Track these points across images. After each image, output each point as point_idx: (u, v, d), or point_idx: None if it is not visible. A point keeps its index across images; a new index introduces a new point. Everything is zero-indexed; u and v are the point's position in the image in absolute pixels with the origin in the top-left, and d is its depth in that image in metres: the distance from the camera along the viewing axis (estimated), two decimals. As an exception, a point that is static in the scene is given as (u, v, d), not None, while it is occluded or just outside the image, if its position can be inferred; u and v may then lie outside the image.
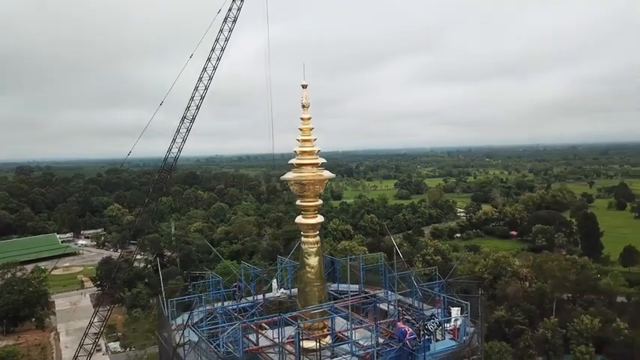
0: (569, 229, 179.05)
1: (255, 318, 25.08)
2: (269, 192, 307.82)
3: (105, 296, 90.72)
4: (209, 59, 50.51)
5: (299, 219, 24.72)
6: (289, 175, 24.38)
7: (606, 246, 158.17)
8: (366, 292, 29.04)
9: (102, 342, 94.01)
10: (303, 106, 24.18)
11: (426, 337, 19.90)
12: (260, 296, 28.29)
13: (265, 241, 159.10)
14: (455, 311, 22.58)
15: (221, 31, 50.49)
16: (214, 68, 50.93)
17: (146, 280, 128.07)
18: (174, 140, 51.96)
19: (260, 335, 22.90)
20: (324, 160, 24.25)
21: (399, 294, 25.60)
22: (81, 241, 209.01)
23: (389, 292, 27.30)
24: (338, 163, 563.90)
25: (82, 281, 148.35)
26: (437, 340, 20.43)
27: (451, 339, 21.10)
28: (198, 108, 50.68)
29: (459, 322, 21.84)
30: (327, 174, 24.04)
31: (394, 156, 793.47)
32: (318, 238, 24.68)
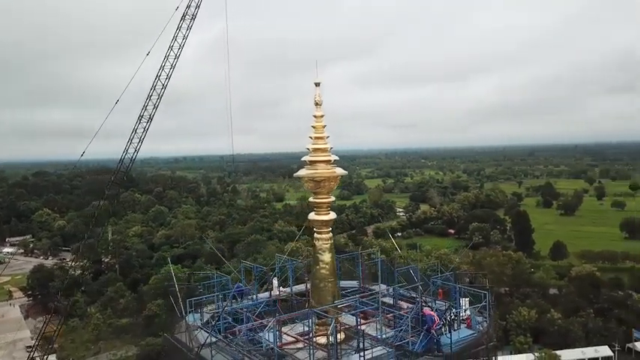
0: (503, 227, 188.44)
1: (279, 314, 24.88)
2: (209, 194, 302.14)
3: (38, 307, 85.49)
4: (166, 57, 48.88)
5: (312, 215, 24.57)
6: (303, 172, 24.10)
7: (537, 242, 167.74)
8: (364, 288, 29.20)
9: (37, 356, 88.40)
10: (316, 104, 24.00)
11: (448, 325, 20.53)
12: (263, 294, 27.84)
13: (209, 245, 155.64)
14: (465, 302, 23.14)
15: (179, 28, 48.98)
16: (172, 67, 49.37)
17: (83, 288, 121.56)
18: (130, 140, 49.83)
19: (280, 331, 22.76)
20: (336, 158, 24.08)
21: (407, 288, 25.99)
22: (6, 249, 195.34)
23: (388, 286, 27.73)
24: (279, 165, 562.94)
25: (10, 291, 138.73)
26: (455, 330, 21.00)
27: (466, 327, 21.70)
28: (156, 107, 48.90)
29: (468, 312, 22.48)
30: (339, 171, 24.00)
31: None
32: (331, 234, 24.57)
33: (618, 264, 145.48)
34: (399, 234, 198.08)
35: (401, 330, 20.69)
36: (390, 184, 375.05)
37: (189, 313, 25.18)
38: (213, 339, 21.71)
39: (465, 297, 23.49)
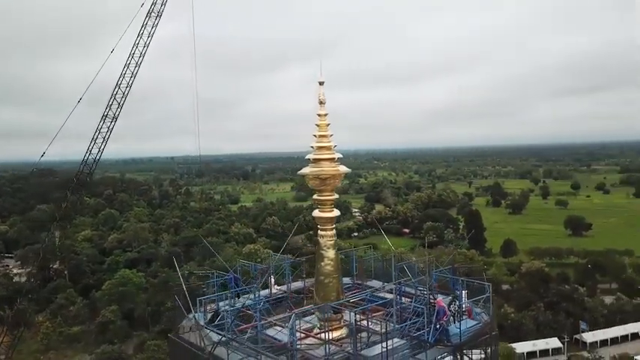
0: (456, 226, 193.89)
1: (290, 310, 24.69)
2: (162, 197, 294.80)
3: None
4: (132, 55, 47.17)
5: (316, 213, 24.60)
6: (307, 170, 24.08)
7: (488, 240, 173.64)
8: (359, 284, 29.17)
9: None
10: (320, 103, 24.03)
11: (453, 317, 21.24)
12: (262, 292, 27.60)
13: (164, 248, 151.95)
14: (464, 294, 23.75)
15: (144, 25, 47.38)
16: (137, 65, 47.65)
17: (30, 296, 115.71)
18: (94, 140, 47.69)
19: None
20: (340, 155, 24.15)
21: (412, 282, 26.40)
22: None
23: (384, 282, 28.19)
24: (233, 166, 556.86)
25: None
26: (459, 321, 21.63)
27: (467, 318, 22.24)
28: (120, 106, 47.01)
29: (467, 304, 23.01)
30: (343, 168, 24.13)
31: (289, 159, 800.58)
32: (334, 231, 24.71)
33: (564, 259, 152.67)
34: (356, 234, 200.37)
35: (417, 322, 21.08)
36: (345, 185, 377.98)
37: (194, 312, 24.77)
38: (222, 338, 21.48)
39: (464, 289, 24.09)
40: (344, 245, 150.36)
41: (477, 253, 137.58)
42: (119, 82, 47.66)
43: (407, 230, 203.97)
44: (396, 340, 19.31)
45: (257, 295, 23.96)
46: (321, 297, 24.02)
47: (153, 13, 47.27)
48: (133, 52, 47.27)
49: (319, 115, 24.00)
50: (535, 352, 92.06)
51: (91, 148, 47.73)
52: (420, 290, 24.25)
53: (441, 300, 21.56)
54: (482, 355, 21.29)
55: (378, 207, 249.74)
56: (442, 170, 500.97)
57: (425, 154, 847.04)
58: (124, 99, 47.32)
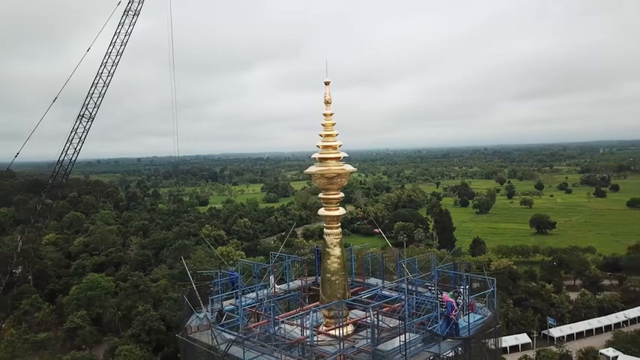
0: (426, 225, 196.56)
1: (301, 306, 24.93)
2: (129, 199, 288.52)
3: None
4: (109, 54, 45.79)
5: (322, 211, 24.99)
6: (313, 169, 24.26)
7: (457, 239, 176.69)
8: (358, 282, 29.20)
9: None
10: (326, 102, 24.23)
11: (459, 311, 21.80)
12: (263, 291, 27.52)
13: (132, 251, 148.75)
14: (461, 290, 24.19)
15: (121, 24, 46.08)
16: (115, 64, 46.31)
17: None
18: (69, 141, 46.04)
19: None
20: (346, 155, 24.21)
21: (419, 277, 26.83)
22: None
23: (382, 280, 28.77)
24: (201, 168, 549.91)
25: None
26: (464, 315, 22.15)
27: (470, 312, 22.66)
28: (97, 106, 45.57)
29: (470, 298, 23.45)
30: (349, 167, 24.38)
31: (257, 160, 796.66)
32: (340, 229, 25.14)
33: (530, 257, 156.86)
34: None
35: (430, 317, 21.43)
36: (315, 186, 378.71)
37: (199, 311, 24.62)
38: (232, 337, 21.35)
39: (467, 285, 24.66)
40: (315, 246, 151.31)
41: (447, 252, 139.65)
42: (95, 81, 46.27)
43: (377, 230, 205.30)
44: (409, 334, 19.75)
45: (268, 293, 24.16)
46: (327, 294, 24.20)
47: (130, 12, 46.09)
48: (110, 50, 45.99)
49: (325, 114, 24.30)
50: (505, 347, 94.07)
51: (66, 148, 46.19)
52: (428, 286, 24.73)
53: (447, 295, 22.01)
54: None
55: (349, 207, 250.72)
56: (410, 171, 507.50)
57: (392, 156, 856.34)
58: (100, 98, 45.97)
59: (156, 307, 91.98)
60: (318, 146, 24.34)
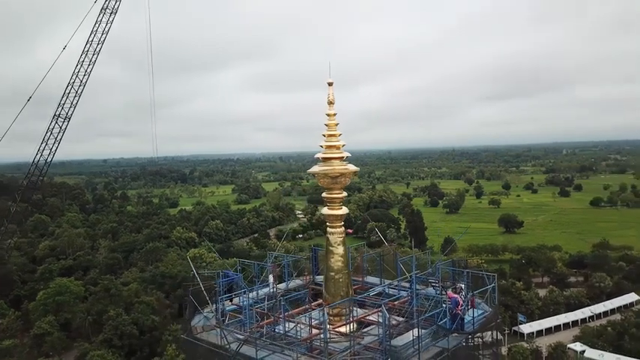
0: (398, 225, 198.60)
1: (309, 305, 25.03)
2: (96, 201, 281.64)
3: None
4: (85, 52, 44.40)
5: (325, 210, 25.10)
6: (317, 169, 24.30)
7: (429, 238, 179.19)
8: (358, 281, 29.18)
9: None
10: (329, 103, 24.36)
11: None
12: (264, 290, 27.30)
13: (101, 254, 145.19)
14: (463, 286, 24.63)
15: (98, 22, 44.80)
16: (92, 63, 44.93)
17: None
18: (45, 141, 44.44)
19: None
20: (349, 154, 24.58)
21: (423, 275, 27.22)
22: None
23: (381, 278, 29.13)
24: (170, 169, 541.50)
25: None
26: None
27: (470, 308, 23.01)
28: (74, 106, 44.11)
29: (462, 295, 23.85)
30: (352, 167, 24.58)
31: (227, 161, 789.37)
32: (343, 228, 25.21)
33: (500, 256, 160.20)
34: (301, 235, 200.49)
35: (440, 313, 21.89)
36: (287, 188, 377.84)
37: (206, 312, 24.53)
38: (240, 336, 21.26)
39: (469, 281, 25.21)
40: (289, 247, 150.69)
41: (420, 252, 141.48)
42: (72, 80, 44.87)
43: (350, 230, 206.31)
44: (417, 330, 20.17)
45: (271, 292, 24.20)
46: (331, 293, 24.30)
47: (108, 10, 44.88)
48: (87, 49, 44.65)
49: (328, 114, 24.43)
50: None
51: (42, 149, 44.65)
52: (432, 283, 25.06)
53: (451, 292, 22.40)
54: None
55: (321, 208, 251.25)
56: (380, 172, 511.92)
57: (362, 156, 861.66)
58: (77, 97, 44.60)
59: (128, 311, 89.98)
60: (321, 146, 24.47)
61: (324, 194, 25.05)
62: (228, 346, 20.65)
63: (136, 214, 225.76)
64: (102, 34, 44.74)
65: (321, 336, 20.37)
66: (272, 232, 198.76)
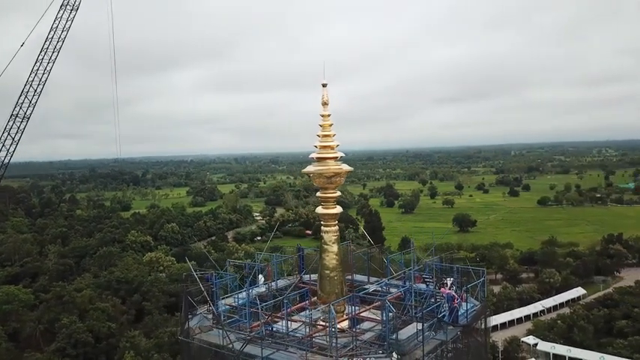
0: (356, 226, 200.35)
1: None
2: (43, 205, 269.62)
3: None
4: (45, 50, 42.19)
5: (319, 209, 25.66)
6: (311, 168, 24.70)
7: (386, 238, 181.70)
8: (347, 278, 29.21)
9: None
10: (324, 104, 24.69)
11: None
12: (256, 290, 27.39)
13: (51, 261, 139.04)
14: (449, 281, 25.35)
15: (58, 19, 42.70)
16: (51, 60, 42.77)
17: None
18: (2, 142, 41.90)
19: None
20: (343, 154, 24.99)
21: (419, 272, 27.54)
22: None
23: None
24: (121, 171, 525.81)
25: None
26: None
27: (460, 302, 23.61)
28: (33, 105, 41.79)
29: (451, 289, 24.42)
30: (346, 167, 25.11)
31: (181, 163, 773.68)
32: (337, 227, 25.75)
33: (454, 254, 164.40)
34: (259, 238, 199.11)
35: (439, 305, 22.89)
36: (244, 190, 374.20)
37: (203, 311, 24.31)
38: (240, 335, 21.46)
39: (459, 276, 25.85)
40: (249, 250, 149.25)
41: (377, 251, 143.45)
42: (30, 79, 42.68)
43: (309, 232, 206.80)
44: (417, 324, 20.99)
45: (269, 290, 24.17)
46: (326, 291, 24.64)
47: (68, 6, 42.97)
48: (46, 46, 42.55)
49: (322, 115, 24.78)
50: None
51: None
52: (425, 279, 25.98)
53: (445, 288, 23.03)
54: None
55: (280, 210, 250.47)
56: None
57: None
58: (37, 96, 42.47)
59: (82, 319, 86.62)
60: (315, 146, 24.86)
61: (318, 194, 25.63)
62: (231, 346, 20.51)
63: (86, 217, 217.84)
64: (62, 32, 42.88)
65: (320, 333, 20.57)
66: (230, 234, 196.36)
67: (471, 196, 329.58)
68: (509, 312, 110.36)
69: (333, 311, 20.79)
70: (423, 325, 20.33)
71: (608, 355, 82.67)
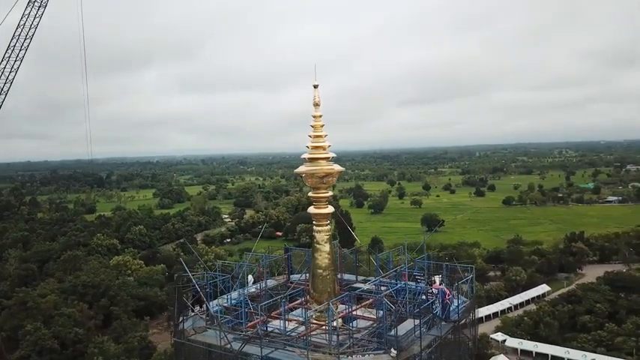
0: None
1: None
2: (2, 208, 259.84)
3: None
4: (12, 48, 40.47)
5: (312, 209, 26.11)
6: (303, 169, 24.91)
7: (357, 239, 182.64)
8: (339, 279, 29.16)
9: None
10: (315, 105, 25.02)
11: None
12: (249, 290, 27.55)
13: (12, 265, 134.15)
14: (438, 278, 25.81)
15: (26, 16, 41.05)
16: (19, 59, 41.01)
17: None
18: None
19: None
20: (334, 155, 25.31)
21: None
22: None
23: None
24: (84, 173, 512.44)
25: None
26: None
27: (452, 298, 24.28)
28: (0, 105, 39.98)
29: (442, 286, 24.84)
30: (338, 167, 25.40)
31: (147, 164, 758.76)
32: (329, 227, 26.14)
33: (422, 254, 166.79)
34: (229, 240, 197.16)
35: (433, 302, 23.75)
36: (212, 191, 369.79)
37: (199, 312, 24.11)
38: (233, 335, 21.70)
39: (437, 274, 26.50)
40: (218, 252, 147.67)
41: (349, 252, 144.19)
42: None
43: (279, 233, 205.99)
44: (413, 320, 21.70)
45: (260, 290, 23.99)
46: (318, 290, 24.87)
47: (36, 3, 41.42)
48: (13, 44, 40.92)
49: (314, 116, 25.08)
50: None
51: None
52: (416, 276, 27.10)
53: (437, 284, 23.40)
54: None
55: (249, 212, 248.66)
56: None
57: (288, 159, 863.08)
58: (3, 96, 40.78)
59: (47, 325, 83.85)
60: (307, 147, 25.15)
61: (310, 193, 26.10)
62: (229, 346, 20.35)
63: (49, 221, 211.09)
64: (29, 29, 41.33)
65: (317, 331, 20.61)
66: (199, 236, 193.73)
67: (438, 196, 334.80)
68: (478, 309, 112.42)
69: (333, 309, 20.90)
70: (420, 321, 20.84)
71: (573, 350, 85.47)
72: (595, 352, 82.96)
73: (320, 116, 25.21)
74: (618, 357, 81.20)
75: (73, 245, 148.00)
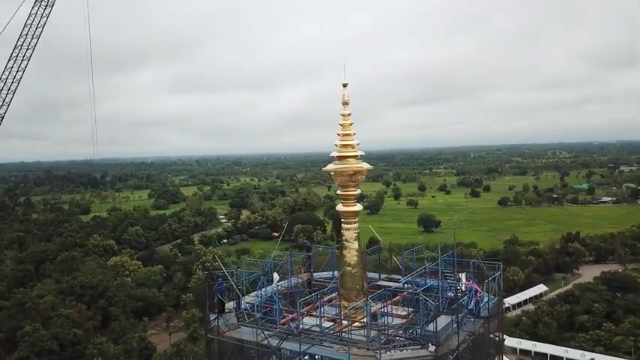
0: (323, 227, 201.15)
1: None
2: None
3: None
4: (20, 47, 40.18)
5: (340, 207, 26.25)
6: (332, 167, 25.08)
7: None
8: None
9: None
10: (344, 103, 25.26)
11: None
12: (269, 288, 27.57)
13: (8, 266, 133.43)
14: (464, 276, 26.45)
15: (33, 15, 40.78)
16: (26, 58, 40.74)
17: None
18: None
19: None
20: (362, 153, 25.57)
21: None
22: None
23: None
24: (79, 174, 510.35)
25: None
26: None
27: (482, 295, 24.75)
28: (7, 104, 39.66)
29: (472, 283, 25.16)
30: (366, 165, 25.69)
31: (141, 165, 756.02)
32: (358, 224, 26.35)
33: (420, 254, 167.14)
34: (225, 240, 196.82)
35: (470, 299, 24.21)
36: (207, 192, 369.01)
37: (228, 310, 25.03)
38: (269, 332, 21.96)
39: (462, 271, 26.79)
40: (216, 252, 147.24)
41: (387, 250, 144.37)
42: (4, 77, 40.62)
43: (276, 234, 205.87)
44: (446, 317, 22.21)
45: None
46: (347, 287, 25.26)
47: (43, 2, 41.11)
48: (21, 43, 40.61)
49: (343, 115, 25.33)
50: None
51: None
52: (446, 274, 26.66)
53: (468, 282, 23.77)
54: None
55: (245, 212, 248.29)
56: (302, 175, 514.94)
57: (284, 160, 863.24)
58: (11, 95, 40.46)
59: (46, 326, 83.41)
60: (336, 145, 25.34)
61: (338, 191, 26.25)
62: (266, 342, 20.51)
63: (44, 221, 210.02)
64: (36, 28, 41.08)
65: (352, 327, 20.87)
66: (195, 237, 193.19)
67: (433, 197, 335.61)
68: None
69: (370, 306, 21.14)
70: (458, 317, 21.34)
71: (571, 349, 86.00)
72: (593, 352, 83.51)
73: (349, 114, 25.56)
74: (616, 356, 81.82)
75: (69, 246, 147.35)
